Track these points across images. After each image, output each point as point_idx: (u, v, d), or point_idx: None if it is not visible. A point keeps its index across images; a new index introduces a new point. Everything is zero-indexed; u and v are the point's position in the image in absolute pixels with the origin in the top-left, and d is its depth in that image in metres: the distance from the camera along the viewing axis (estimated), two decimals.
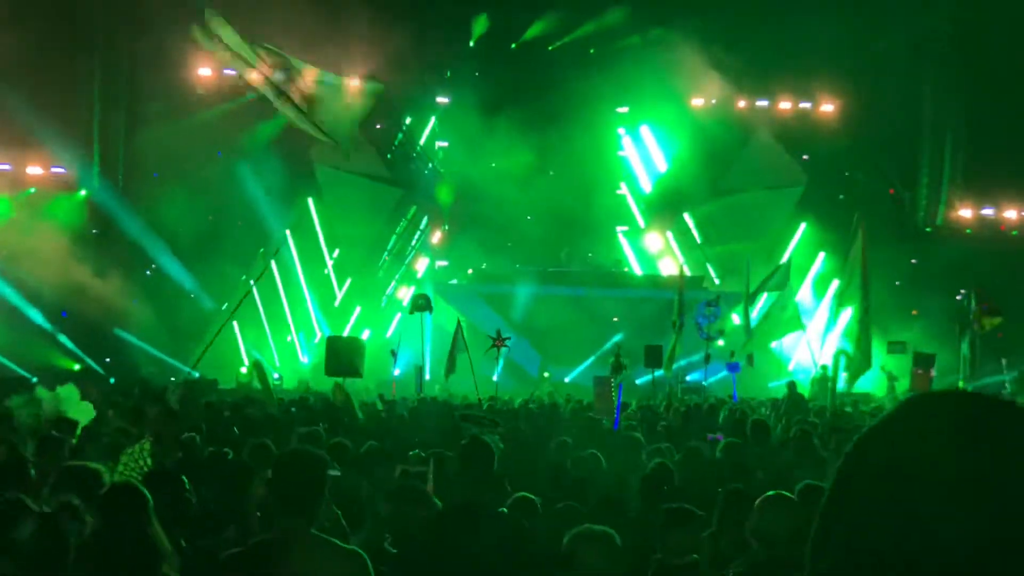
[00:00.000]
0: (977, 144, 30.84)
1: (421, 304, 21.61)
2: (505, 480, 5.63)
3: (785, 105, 32.53)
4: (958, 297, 25.27)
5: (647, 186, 34.24)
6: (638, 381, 27.18)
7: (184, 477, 5.14)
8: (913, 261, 31.00)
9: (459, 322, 21.46)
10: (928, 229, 32.58)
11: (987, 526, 0.97)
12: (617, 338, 25.27)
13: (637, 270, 33.84)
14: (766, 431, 10.31)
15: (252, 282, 22.62)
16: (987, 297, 16.32)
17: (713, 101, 31.99)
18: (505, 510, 4.39)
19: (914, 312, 29.04)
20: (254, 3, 22.71)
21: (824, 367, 22.31)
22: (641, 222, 34.39)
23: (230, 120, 30.00)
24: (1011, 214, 32.95)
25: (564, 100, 30.12)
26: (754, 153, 32.19)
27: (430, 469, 6.70)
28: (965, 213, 32.57)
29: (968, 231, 32.45)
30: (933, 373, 19.20)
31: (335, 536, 4.14)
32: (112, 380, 24.97)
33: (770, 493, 4.91)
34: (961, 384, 24.28)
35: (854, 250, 17.44)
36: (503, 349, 21.40)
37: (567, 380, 28.94)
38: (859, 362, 17.51)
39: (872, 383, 26.43)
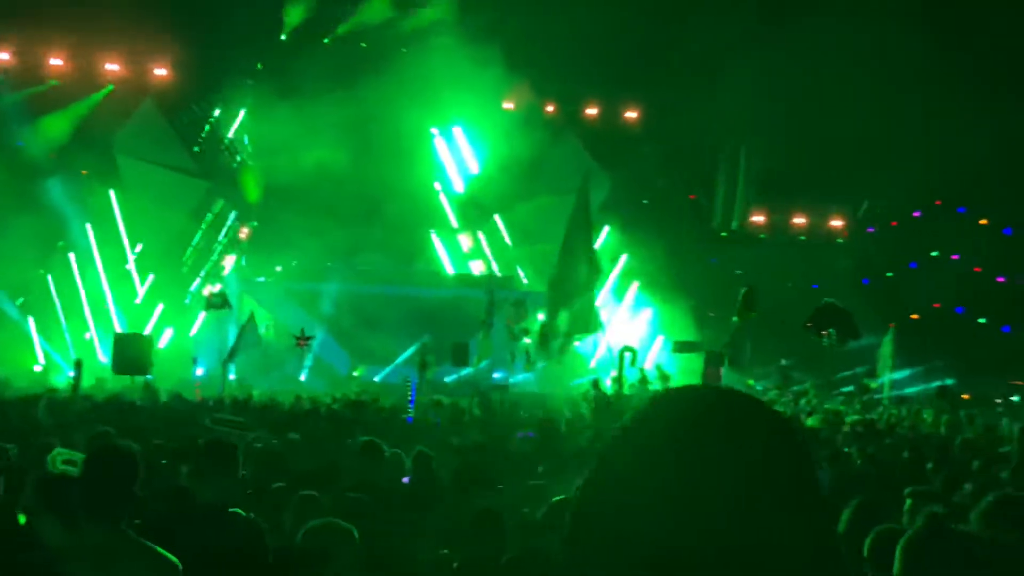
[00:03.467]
0: (771, 152, 32.56)
1: (216, 303, 21.16)
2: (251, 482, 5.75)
3: (592, 111, 33.53)
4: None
5: (459, 186, 34.55)
6: (447, 379, 27.51)
7: None
8: (713, 261, 32.50)
9: (251, 315, 21.07)
10: (724, 234, 34.21)
11: (725, 511, 1.02)
12: (426, 338, 25.43)
13: (449, 269, 34.10)
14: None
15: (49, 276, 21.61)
16: (752, 294, 17.34)
17: (523, 105, 32.57)
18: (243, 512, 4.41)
19: (711, 314, 30.44)
20: None
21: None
22: (454, 222, 34.67)
23: (30, 107, 28.71)
24: (801, 220, 35.10)
25: (377, 97, 29.97)
26: (561, 157, 32.93)
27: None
28: (759, 219, 34.45)
29: (762, 236, 34.31)
30: (723, 372, 20.15)
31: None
32: None
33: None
34: (750, 382, 25.70)
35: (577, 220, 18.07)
36: (308, 348, 21.26)
37: (377, 379, 28.88)
38: (549, 330, 18.12)
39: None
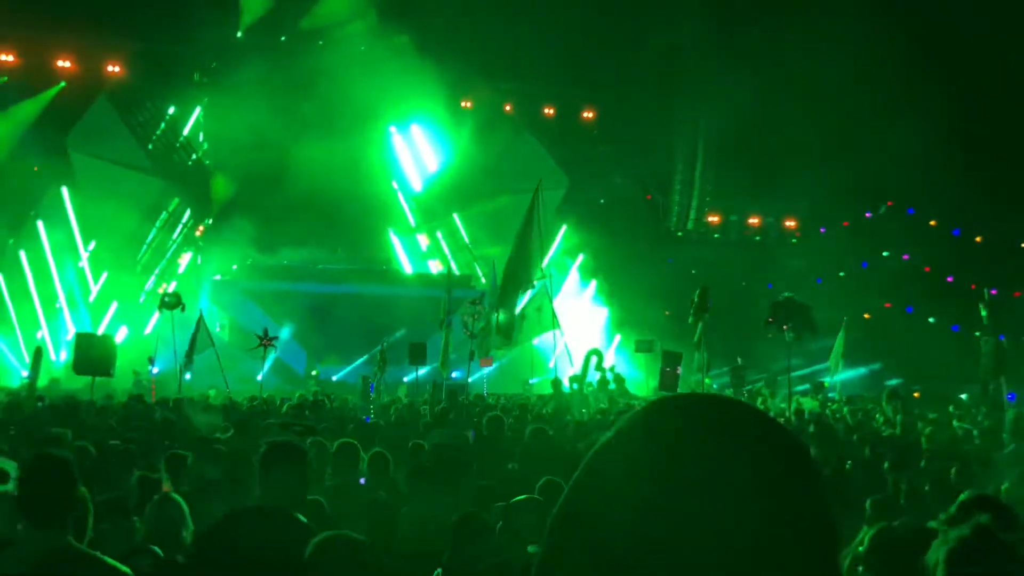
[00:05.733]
0: (725, 154, 32.96)
1: (170, 302, 20.92)
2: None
3: (549, 111, 33.68)
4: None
5: (417, 185, 34.52)
6: (405, 379, 27.47)
7: None
8: (670, 261, 32.79)
9: (200, 315, 20.92)
10: (680, 233, 34.54)
11: (723, 523, 0.99)
12: (396, 335, 25.43)
13: (407, 268, 34.06)
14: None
15: None
16: (705, 295, 17.50)
17: (481, 104, 32.64)
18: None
19: (667, 313, 30.68)
20: None
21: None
22: (412, 220, 34.64)
23: None
24: (754, 220, 35.55)
25: (334, 95, 29.82)
26: (519, 156, 33.01)
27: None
28: (714, 219, 34.84)
29: (716, 235, 34.69)
30: (680, 371, 20.32)
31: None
32: None
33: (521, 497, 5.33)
34: (707, 381, 25.92)
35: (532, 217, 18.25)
36: (271, 348, 21.15)
37: (335, 379, 28.78)
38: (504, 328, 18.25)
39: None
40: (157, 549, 4.84)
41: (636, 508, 1.02)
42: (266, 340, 20.42)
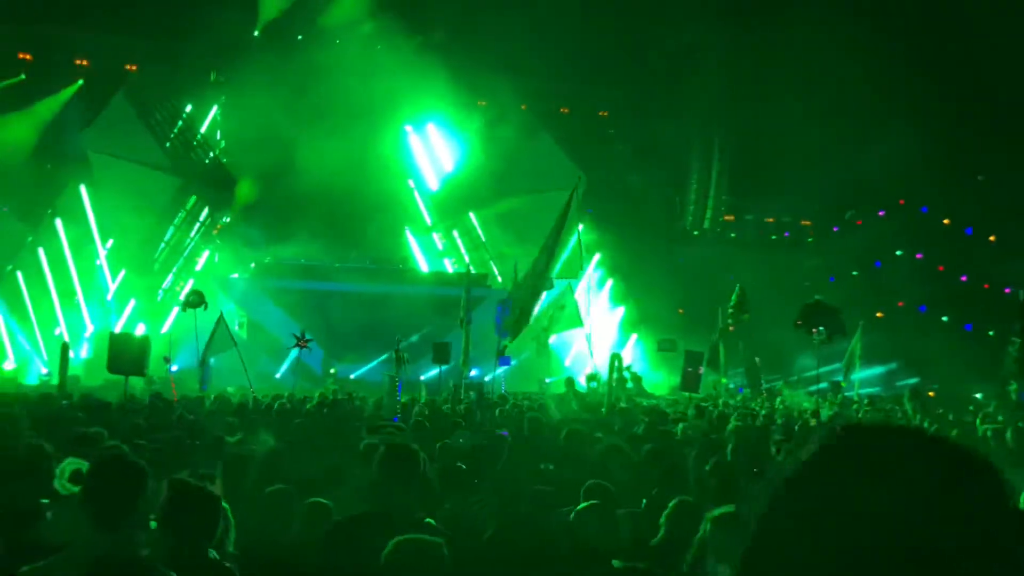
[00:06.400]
0: (742, 153, 32.97)
1: (193, 300, 21.03)
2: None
3: (564, 110, 33.73)
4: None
5: (434, 184, 34.60)
6: (423, 377, 27.58)
7: None
8: (680, 260, 32.84)
9: (221, 315, 21.02)
10: (696, 232, 34.56)
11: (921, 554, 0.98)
12: (399, 337, 25.50)
13: (424, 267, 34.16)
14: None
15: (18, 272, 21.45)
16: (744, 295, 17.56)
17: (496, 103, 32.64)
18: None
19: (680, 311, 30.78)
20: None
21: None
22: (428, 219, 34.74)
23: None
24: (770, 219, 35.58)
25: (351, 94, 29.88)
26: (536, 155, 33.06)
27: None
28: (729, 218, 34.87)
29: (732, 235, 34.72)
30: (701, 370, 20.38)
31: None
32: None
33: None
34: (723, 381, 26.00)
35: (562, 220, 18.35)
36: (292, 349, 21.28)
37: (353, 377, 28.89)
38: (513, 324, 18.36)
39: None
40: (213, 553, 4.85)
41: (837, 544, 1.01)
42: (302, 341, 20.53)
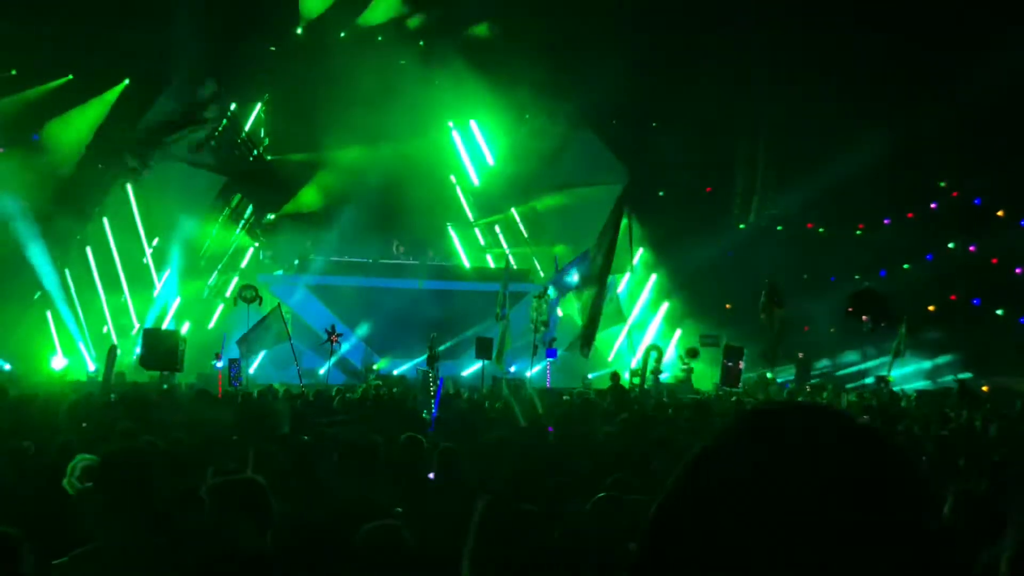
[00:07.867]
0: (787, 145, 32.43)
1: (249, 296, 21.19)
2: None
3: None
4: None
5: (476, 179, 34.54)
6: (464, 372, 27.57)
7: None
8: (730, 254, 32.42)
9: (278, 306, 21.04)
10: (742, 226, 34.12)
11: (828, 542, 0.99)
12: (434, 333, 25.50)
13: (466, 263, 34.12)
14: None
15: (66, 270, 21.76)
16: (776, 290, 17.23)
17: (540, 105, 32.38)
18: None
19: (728, 306, 30.42)
20: None
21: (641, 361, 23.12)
22: (470, 215, 34.70)
23: (43, 104, 28.81)
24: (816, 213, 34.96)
25: (393, 91, 29.88)
26: (578, 150, 32.86)
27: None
28: (775, 211, 34.33)
29: (779, 228, 34.20)
30: (742, 366, 20.14)
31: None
32: None
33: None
34: (769, 375, 25.71)
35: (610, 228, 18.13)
36: (337, 344, 21.35)
37: (396, 373, 28.94)
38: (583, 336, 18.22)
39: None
40: None
41: (736, 524, 1.02)
42: (333, 336, 20.57)
